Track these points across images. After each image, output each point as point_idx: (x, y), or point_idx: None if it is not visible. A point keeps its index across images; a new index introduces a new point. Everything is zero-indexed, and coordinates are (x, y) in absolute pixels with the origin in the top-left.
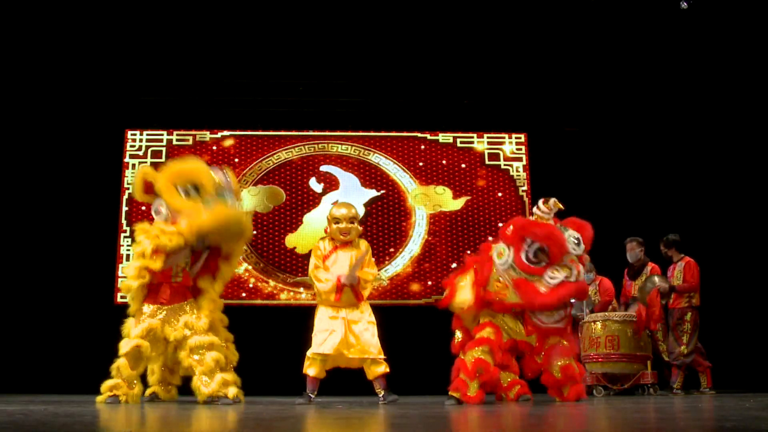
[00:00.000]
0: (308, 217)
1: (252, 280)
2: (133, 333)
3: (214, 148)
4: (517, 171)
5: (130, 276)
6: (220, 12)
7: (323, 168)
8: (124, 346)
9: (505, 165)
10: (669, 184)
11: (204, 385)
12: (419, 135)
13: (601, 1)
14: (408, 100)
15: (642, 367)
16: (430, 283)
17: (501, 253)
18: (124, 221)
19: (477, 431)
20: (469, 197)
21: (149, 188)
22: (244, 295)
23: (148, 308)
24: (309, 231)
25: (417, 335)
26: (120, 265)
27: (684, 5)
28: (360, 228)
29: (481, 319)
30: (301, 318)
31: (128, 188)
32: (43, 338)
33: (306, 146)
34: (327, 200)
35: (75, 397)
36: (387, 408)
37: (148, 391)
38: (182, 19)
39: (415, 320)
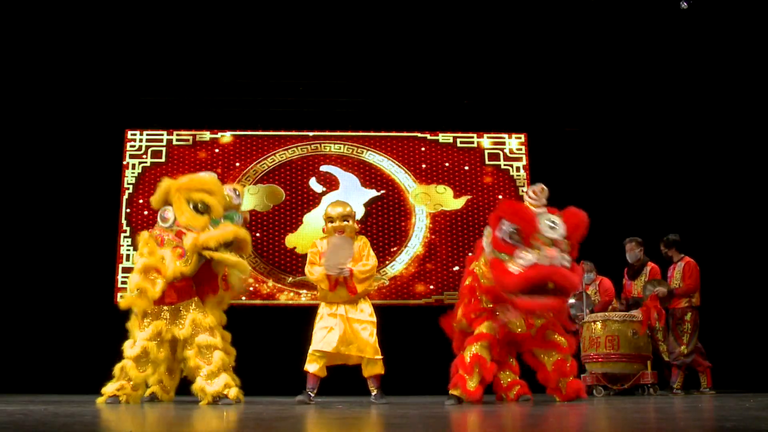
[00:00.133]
0: (308, 217)
1: (251, 280)
2: (140, 336)
3: (217, 150)
4: (517, 171)
5: (133, 298)
6: (220, 12)
7: (323, 168)
8: (131, 349)
9: (505, 165)
10: (669, 184)
11: (209, 385)
12: (419, 135)
13: (601, 1)
14: (408, 100)
15: (642, 367)
16: (432, 286)
17: (487, 236)
18: (124, 221)
19: (477, 431)
20: (469, 197)
21: (167, 201)
22: (243, 298)
23: (153, 309)
24: (309, 231)
25: (417, 335)
26: (120, 265)
27: (684, 5)
28: (356, 226)
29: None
30: (301, 318)
31: (128, 188)
32: (43, 338)
33: (306, 146)
34: (327, 200)
35: (75, 397)
36: (387, 408)
37: (147, 392)
38: (182, 19)
39: (415, 320)
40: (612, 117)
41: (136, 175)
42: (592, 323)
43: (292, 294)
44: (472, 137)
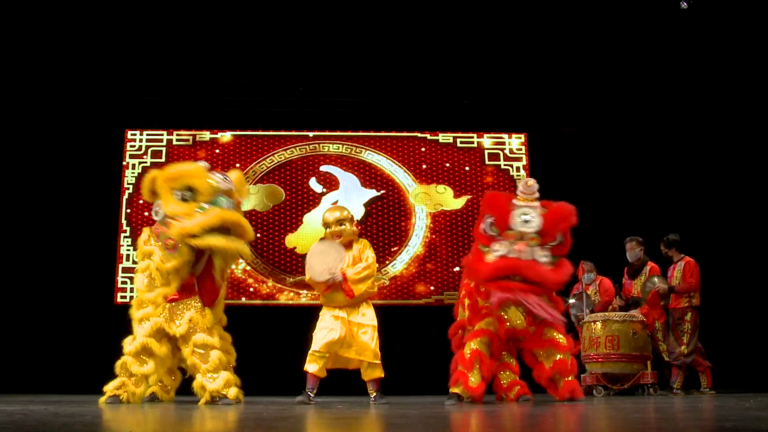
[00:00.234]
0: (308, 217)
1: (251, 280)
2: (139, 333)
3: (217, 151)
4: (517, 171)
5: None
6: (220, 12)
7: (323, 168)
8: (130, 345)
9: (505, 165)
10: (669, 184)
11: (209, 381)
12: (419, 135)
13: (601, 1)
14: (408, 100)
15: (642, 367)
16: (432, 287)
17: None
18: (124, 221)
19: (477, 431)
20: (469, 196)
21: (155, 193)
22: (243, 299)
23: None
24: (309, 231)
25: (417, 335)
26: (120, 265)
27: (684, 5)
28: (353, 229)
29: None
30: (301, 318)
31: (128, 188)
32: (44, 338)
33: (306, 146)
34: (327, 200)
35: (75, 397)
36: (387, 408)
37: (148, 392)
38: (182, 19)
39: (415, 320)
40: (612, 117)
41: (136, 175)
42: (592, 323)
43: (292, 294)
44: (472, 137)
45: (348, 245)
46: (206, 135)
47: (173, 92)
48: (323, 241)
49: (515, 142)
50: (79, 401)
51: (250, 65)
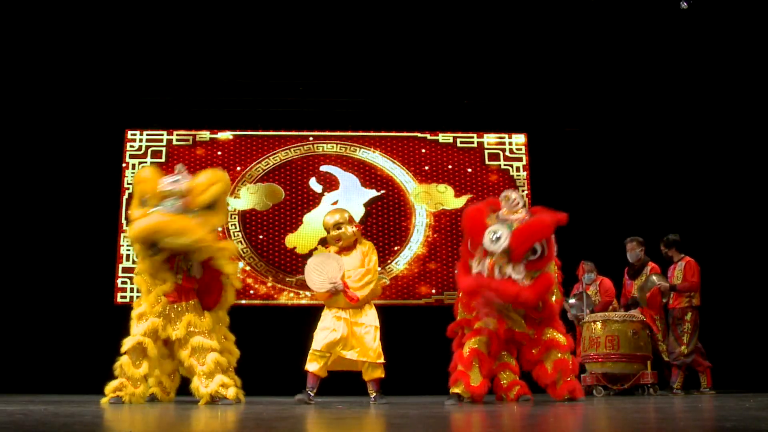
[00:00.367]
0: (308, 217)
1: (250, 280)
2: (134, 330)
3: (219, 153)
4: (517, 171)
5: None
6: (220, 12)
7: (323, 168)
8: (127, 344)
9: (505, 165)
10: (669, 184)
11: (203, 386)
12: (419, 135)
13: (601, 1)
14: (408, 100)
15: (642, 367)
16: (433, 290)
17: None
18: (124, 221)
19: (477, 431)
20: (470, 196)
21: None
22: (244, 301)
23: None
24: (309, 231)
25: (417, 335)
26: (120, 265)
27: (684, 5)
28: (353, 230)
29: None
30: (301, 318)
31: (128, 188)
32: (44, 338)
33: (306, 146)
34: (327, 200)
35: (75, 397)
36: (387, 408)
37: (148, 392)
38: (182, 19)
39: (415, 320)
40: (612, 117)
41: None
42: (592, 323)
43: (292, 294)
44: (472, 137)
45: (352, 246)
46: (206, 135)
47: (173, 92)
48: (319, 254)
49: (515, 142)
50: (79, 401)
51: (249, 65)
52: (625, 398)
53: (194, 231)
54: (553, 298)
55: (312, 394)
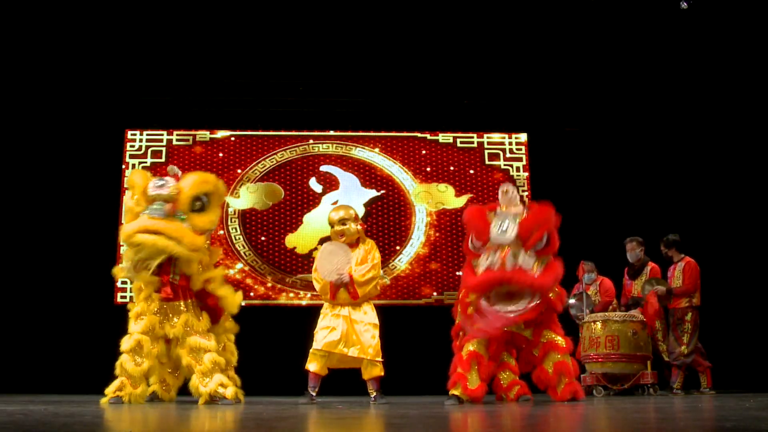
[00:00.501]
0: (308, 217)
1: (250, 280)
2: (132, 329)
3: (221, 155)
4: (517, 171)
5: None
6: (220, 12)
7: (323, 168)
8: (125, 342)
9: (505, 165)
10: (669, 184)
11: (202, 384)
12: (419, 135)
13: (601, 1)
14: (408, 100)
15: (642, 367)
16: (435, 293)
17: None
18: (124, 221)
19: (477, 431)
20: (471, 195)
21: None
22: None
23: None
24: (309, 231)
25: (418, 335)
26: (120, 265)
27: (684, 5)
28: (357, 228)
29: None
30: (301, 318)
31: (128, 188)
32: (44, 338)
33: (305, 146)
34: (327, 200)
35: (75, 397)
36: (387, 408)
37: (148, 391)
38: (182, 19)
39: (415, 320)
40: (612, 117)
41: None
42: (592, 323)
43: (292, 294)
44: (472, 137)
45: (354, 244)
46: (206, 135)
47: (173, 92)
48: (332, 242)
49: (515, 142)
50: (79, 401)
51: (249, 65)
52: (625, 398)
53: (181, 240)
54: (550, 294)
55: (314, 395)
